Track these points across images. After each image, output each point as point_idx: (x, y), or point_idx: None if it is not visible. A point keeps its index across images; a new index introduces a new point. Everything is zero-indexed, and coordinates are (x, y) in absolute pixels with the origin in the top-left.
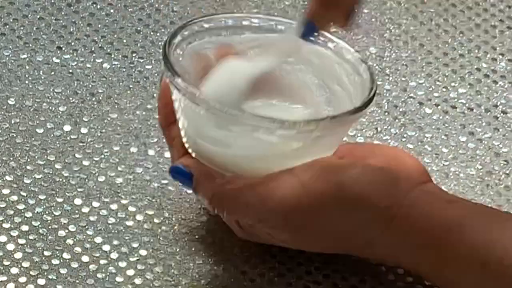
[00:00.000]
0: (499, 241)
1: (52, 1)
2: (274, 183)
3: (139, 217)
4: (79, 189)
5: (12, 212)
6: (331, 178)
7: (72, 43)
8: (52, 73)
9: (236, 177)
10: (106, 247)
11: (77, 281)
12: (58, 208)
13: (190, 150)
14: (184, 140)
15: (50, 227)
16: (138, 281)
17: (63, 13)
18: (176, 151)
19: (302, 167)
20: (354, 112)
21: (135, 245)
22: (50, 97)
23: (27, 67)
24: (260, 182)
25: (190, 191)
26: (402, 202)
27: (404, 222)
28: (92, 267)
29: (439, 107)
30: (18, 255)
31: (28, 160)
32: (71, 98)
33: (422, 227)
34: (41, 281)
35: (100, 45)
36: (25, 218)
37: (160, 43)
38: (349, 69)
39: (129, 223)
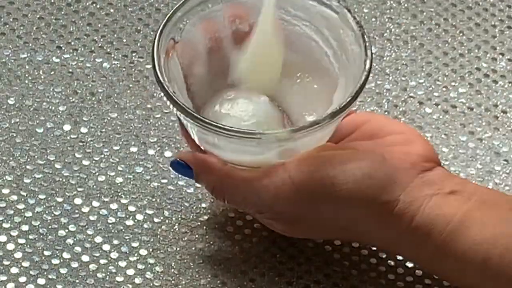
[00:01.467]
0: (501, 236)
1: (52, 0)
2: (268, 179)
3: (139, 217)
4: (79, 189)
5: (12, 211)
6: (323, 173)
7: (72, 43)
8: (52, 72)
9: (234, 169)
10: (106, 247)
11: (77, 281)
12: (58, 208)
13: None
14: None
15: (50, 226)
16: (138, 280)
17: (63, 12)
18: None
19: (294, 163)
20: (335, 115)
21: (135, 244)
22: (50, 97)
23: (27, 67)
24: (256, 178)
25: (190, 190)
26: (399, 198)
27: (401, 218)
28: (92, 266)
29: (439, 106)
30: (18, 254)
31: (28, 159)
32: (71, 98)
33: (421, 222)
34: (41, 281)
35: (100, 45)
36: (25, 218)
37: None
38: (352, 37)
39: (129, 222)
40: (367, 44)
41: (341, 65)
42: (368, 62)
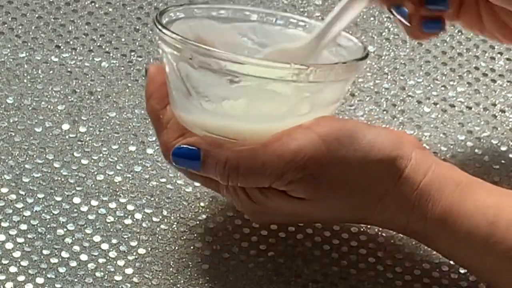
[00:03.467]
0: (507, 204)
1: (51, 0)
2: (288, 137)
3: (138, 216)
4: (77, 188)
5: (10, 211)
6: (344, 127)
7: (71, 42)
8: (51, 72)
9: (246, 142)
10: (104, 246)
11: (75, 280)
12: (57, 207)
13: (191, 126)
14: (185, 115)
15: (48, 225)
16: (136, 279)
17: (61, 12)
18: (172, 132)
19: (313, 122)
20: (362, 59)
21: (133, 243)
22: (48, 96)
23: (25, 66)
24: (273, 140)
25: (188, 189)
26: (410, 156)
27: (413, 175)
28: (91, 265)
29: (438, 105)
30: (17, 253)
31: (27, 159)
32: (69, 97)
33: (431, 181)
34: (40, 280)
35: (98, 44)
36: (24, 217)
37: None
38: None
39: (128, 221)
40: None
41: None
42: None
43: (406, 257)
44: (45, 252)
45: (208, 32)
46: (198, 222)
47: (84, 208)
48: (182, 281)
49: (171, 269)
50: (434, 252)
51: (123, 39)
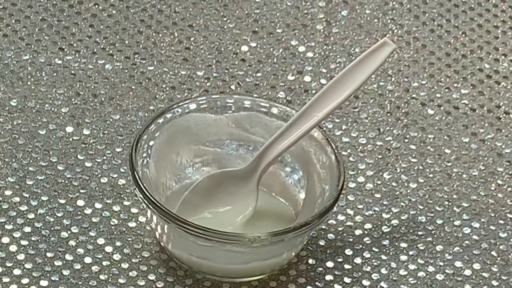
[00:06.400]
0: None
1: (54, 2)
2: None
3: (142, 219)
4: (81, 191)
5: (14, 213)
6: None
7: (74, 44)
8: (54, 74)
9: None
10: (108, 249)
11: (79, 283)
12: (61, 210)
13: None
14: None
15: (52, 228)
16: (141, 282)
17: (65, 14)
18: None
19: None
20: (310, 222)
21: (137, 246)
22: (52, 98)
23: (29, 68)
24: None
25: None
26: None
27: None
28: (95, 268)
29: (442, 108)
30: (21, 256)
31: (31, 161)
32: (73, 99)
33: None
34: (44, 283)
35: (102, 46)
36: (28, 220)
37: (162, 44)
38: (316, 147)
39: (132, 224)
40: (337, 153)
41: (306, 179)
42: (341, 168)
43: None
44: (49, 254)
45: (200, 126)
46: None
47: (88, 211)
48: (187, 284)
49: (175, 271)
50: None
51: (126, 42)
